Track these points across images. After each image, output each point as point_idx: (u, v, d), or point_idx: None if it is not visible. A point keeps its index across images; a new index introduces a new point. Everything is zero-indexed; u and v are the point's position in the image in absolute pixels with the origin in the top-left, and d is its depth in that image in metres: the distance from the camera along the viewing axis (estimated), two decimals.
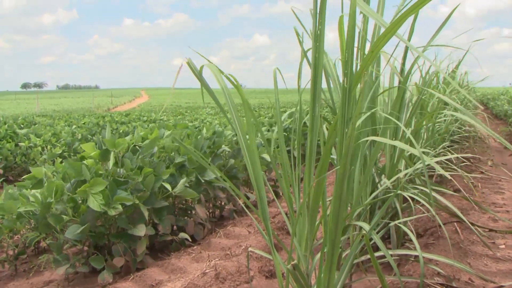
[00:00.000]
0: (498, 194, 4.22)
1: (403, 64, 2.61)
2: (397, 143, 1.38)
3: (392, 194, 2.48)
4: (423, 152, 3.22)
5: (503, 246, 2.78)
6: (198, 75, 1.42)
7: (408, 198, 2.23)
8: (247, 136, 1.49)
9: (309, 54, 2.26)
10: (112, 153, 2.93)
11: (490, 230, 3.00)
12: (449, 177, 1.38)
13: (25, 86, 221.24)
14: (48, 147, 7.43)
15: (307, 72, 1.93)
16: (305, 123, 2.01)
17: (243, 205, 2.03)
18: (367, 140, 2.15)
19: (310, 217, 1.53)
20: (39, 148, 7.25)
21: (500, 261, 2.52)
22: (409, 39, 2.37)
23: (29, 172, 3.12)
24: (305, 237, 1.61)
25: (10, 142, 7.51)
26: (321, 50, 1.47)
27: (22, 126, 11.14)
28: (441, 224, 1.98)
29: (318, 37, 1.45)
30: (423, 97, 2.91)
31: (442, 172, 1.30)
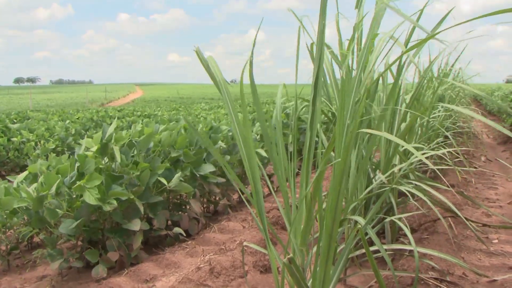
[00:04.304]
0: (492, 190, 4.25)
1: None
2: (391, 137, 1.37)
3: (387, 188, 2.49)
4: (417, 148, 3.23)
5: (496, 241, 2.80)
6: (205, 65, 1.42)
7: (406, 192, 2.23)
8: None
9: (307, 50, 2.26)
10: (116, 148, 2.92)
11: (484, 225, 3.02)
12: (440, 174, 1.39)
13: (18, 81, 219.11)
14: (42, 142, 7.38)
15: (302, 67, 1.92)
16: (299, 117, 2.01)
17: (244, 199, 2.03)
18: (359, 133, 2.16)
19: (308, 211, 1.52)
20: (32, 143, 7.20)
21: (493, 256, 2.54)
22: (410, 35, 2.39)
23: (22, 167, 3.10)
24: (301, 231, 1.61)
25: (2, 137, 7.45)
26: (323, 44, 1.48)
27: (15, 121, 11.06)
28: (441, 218, 1.98)
29: (321, 32, 1.46)
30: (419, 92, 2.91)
31: (432, 167, 1.30)
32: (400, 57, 2.48)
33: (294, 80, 1.94)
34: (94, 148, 2.95)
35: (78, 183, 2.63)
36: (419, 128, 3.66)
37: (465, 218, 2.63)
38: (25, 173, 3.12)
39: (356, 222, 2.15)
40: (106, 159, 2.99)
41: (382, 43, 1.70)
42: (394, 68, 2.65)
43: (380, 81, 3.00)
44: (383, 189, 2.33)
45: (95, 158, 2.93)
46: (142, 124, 3.78)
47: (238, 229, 3.44)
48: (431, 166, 1.37)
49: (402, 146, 2.85)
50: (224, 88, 1.47)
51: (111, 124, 3.16)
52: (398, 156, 2.85)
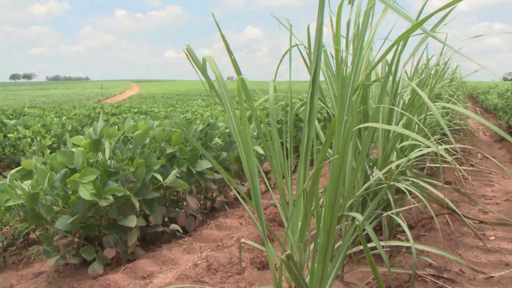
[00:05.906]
0: (488, 187, 4.26)
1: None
2: (398, 129, 1.37)
3: (384, 185, 2.49)
4: (414, 145, 3.23)
5: (493, 238, 2.81)
6: (197, 63, 1.40)
7: (404, 189, 2.23)
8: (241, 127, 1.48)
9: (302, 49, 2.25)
10: (107, 143, 2.90)
11: (480, 222, 3.02)
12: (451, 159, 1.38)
13: (14, 77, 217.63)
14: (38, 138, 7.34)
15: (297, 64, 1.91)
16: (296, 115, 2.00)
17: (238, 196, 2.02)
18: (358, 131, 2.15)
19: (305, 208, 1.52)
20: (28, 140, 7.16)
21: (490, 252, 2.55)
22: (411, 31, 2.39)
23: (18, 163, 3.09)
24: (299, 227, 1.61)
25: None
26: (321, 41, 1.47)
27: (11, 117, 10.99)
28: (434, 217, 1.98)
29: (319, 29, 1.45)
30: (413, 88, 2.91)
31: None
32: (388, 52, 2.48)
33: (289, 77, 1.94)
34: (82, 143, 2.93)
35: (70, 178, 2.61)
36: (416, 126, 3.66)
37: (463, 215, 2.63)
38: (17, 168, 3.10)
39: (353, 218, 2.15)
40: (100, 156, 2.97)
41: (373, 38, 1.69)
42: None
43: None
44: (381, 186, 2.33)
45: (86, 154, 2.91)
46: (132, 119, 3.75)
47: (235, 226, 3.43)
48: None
49: (400, 143, 2.86)
50: (221, 86, 1.46)
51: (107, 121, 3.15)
52: (395, 153, 2.85)
